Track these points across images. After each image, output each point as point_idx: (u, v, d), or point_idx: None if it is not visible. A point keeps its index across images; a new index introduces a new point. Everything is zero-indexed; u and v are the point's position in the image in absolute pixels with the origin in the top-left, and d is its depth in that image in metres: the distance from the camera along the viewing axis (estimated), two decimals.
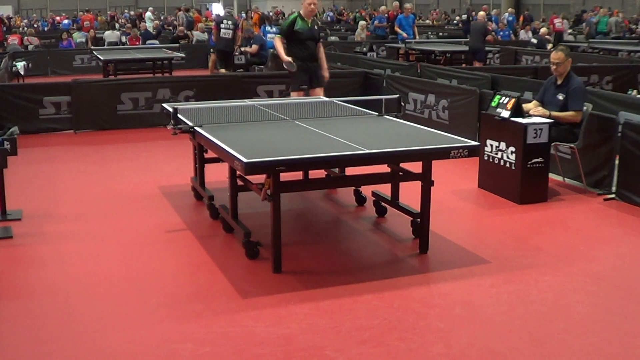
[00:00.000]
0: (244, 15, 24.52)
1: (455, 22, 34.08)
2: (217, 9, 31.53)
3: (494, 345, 3.72)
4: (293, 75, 8.13)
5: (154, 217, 5.90)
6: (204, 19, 30.19)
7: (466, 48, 15.55)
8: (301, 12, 8.02)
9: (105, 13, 37.55)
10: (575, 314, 4.12)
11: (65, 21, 27.03)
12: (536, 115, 6.44)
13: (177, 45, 17.15)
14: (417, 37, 18.06)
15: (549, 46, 16.78)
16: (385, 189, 5.78)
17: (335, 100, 6.87)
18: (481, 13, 16.11)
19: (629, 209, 6.14)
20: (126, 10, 41.25)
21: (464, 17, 25.84)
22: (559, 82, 6.65)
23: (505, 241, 5.36)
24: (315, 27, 8.16)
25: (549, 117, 6.40)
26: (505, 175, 6.39)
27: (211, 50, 15.52)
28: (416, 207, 5.17)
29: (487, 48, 15.07)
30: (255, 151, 4.58)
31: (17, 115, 9.31)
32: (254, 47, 15.07)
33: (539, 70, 11.78)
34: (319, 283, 4.49)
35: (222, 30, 14.61)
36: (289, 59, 7.92)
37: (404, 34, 16.83)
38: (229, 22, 14.66)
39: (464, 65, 15.02)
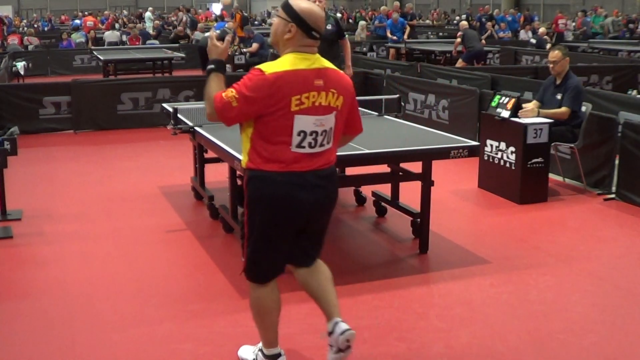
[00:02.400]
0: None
1: (455, 22, 34.04)
2: (217, 9, 31.56)
3: (494, 345, 3.72)
4: None
5: (154, 217, 5.89)
6: (204, 18, 30.18)
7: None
8: None
9: (106, 13, 37.40)
10: (575, 314, 4.12)
11: (77, 21, 26.60)
12: (525, 116, 6.39)
13: (177, 45, 17.17)
14: (406, 39, 18.11)
15: (548, 46, 16.79)
16: (385, 189, 5.78)
17: None
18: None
19: (629, 209, 6.14)
20: (125, 11, 41.13)
21: (464, 17, 25.85)
22: (558, 81, 6.65)
23: (505, 241, 5.36)
24: (326, 27, 8.06)
25: (538, 115, 6.39)
26: (505, 175, 6.39)
27: None
28: (416, 207, 5.17)
29: (485, 48, 15.23)
30: None
31: (17, 115, 9.29)
32: (254, 46, 15.10)
33: (539, 70, 11.78)
34: None
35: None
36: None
37: (394, 37, 17.10)
38: (209, 22, 15.87)
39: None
